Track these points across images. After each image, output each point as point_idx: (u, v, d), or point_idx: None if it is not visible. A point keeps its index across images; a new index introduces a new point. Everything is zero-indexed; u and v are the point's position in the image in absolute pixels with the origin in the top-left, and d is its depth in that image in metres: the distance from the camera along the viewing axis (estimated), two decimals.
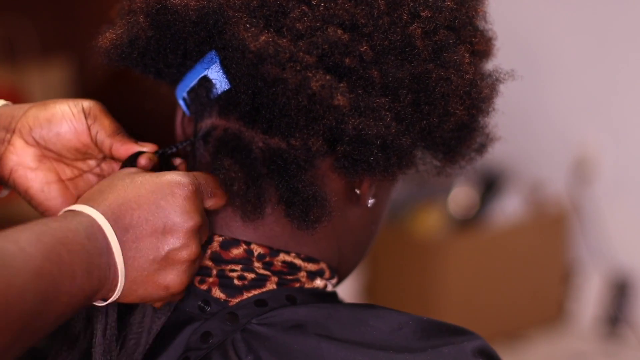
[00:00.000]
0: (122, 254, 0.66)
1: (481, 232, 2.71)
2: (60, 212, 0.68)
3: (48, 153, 0.77)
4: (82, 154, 0.78)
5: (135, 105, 0.89)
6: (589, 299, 2.87)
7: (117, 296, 0.67)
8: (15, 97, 2.99)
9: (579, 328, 2.85)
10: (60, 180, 0.77)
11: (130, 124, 0.79)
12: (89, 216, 0.66)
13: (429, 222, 2.68)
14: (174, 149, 0.78)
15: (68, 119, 0.76)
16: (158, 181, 0.69)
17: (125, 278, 0.67)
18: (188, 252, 0.69)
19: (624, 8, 2.72)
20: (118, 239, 0.66)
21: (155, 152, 0.77)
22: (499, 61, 0.82)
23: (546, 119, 2.95)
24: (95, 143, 0.77)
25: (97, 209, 0.66)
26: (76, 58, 3.04)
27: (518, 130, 2.93)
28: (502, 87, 0.81)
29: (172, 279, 0.69)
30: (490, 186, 2.77)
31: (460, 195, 2.74)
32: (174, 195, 0.69)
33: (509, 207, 2.77)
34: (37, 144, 0.76)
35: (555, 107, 2.93)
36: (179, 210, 0.68)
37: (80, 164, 0.78)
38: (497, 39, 0.82)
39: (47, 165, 0.77)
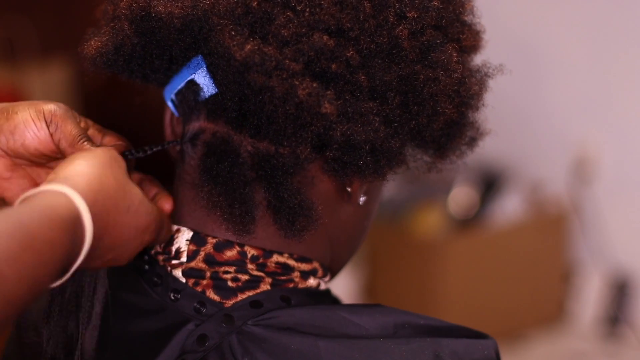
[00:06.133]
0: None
1: (481, 232, 2.71)
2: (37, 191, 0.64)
3: (19, 161, 0.76)
4: (53, 157, 0.76)
5: (135, 103, 0.89)
6: (589, 299, 2.87)
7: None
8: (15, 97, 2.99)
9: (579, 328, 2.85)
10: (35, 184, 0.76)
11: (131, 120, 0.78)
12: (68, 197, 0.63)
13: (429, 222, 2.68)
14: (141, 153, 0.77)
15: (31, 129, 0.73)
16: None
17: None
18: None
19: (624, 8, 2.72)
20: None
21: (122, 154, 0.75)
22: (498, 61, 0.81)
23: (546, 119, 2.95)
24: (60, 150, 0.75)
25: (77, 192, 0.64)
26: (76, 58, 3.05)
27: (518, 130, 2.93)
28: (502, 88, 0.81)
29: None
30: (490, 186, 2.77)
31: (460, 195, 2.74)
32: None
33: (509, 207, 2.76)
34: (6, 155, 0.75)
35: (555, 107, 2.93)
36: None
37: (53, 164, 0.77)
38: (491, 35, 0.81)
39: (21, 173, 0.76)
